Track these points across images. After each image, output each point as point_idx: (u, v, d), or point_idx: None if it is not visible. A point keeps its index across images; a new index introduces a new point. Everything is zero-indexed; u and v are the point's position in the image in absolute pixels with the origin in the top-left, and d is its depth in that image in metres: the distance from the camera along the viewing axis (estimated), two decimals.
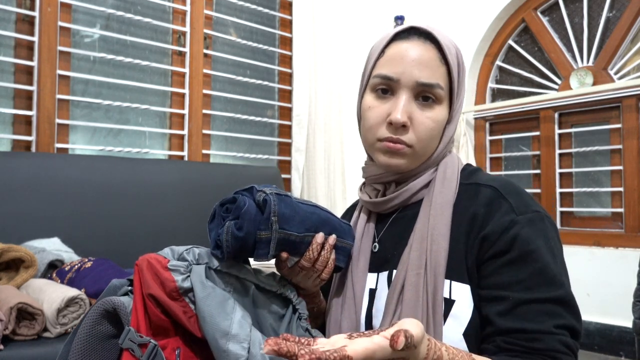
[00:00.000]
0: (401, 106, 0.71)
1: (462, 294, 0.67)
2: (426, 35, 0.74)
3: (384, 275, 0.75)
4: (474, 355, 0.58)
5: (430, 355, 0.50)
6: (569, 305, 0.63)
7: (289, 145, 2.88)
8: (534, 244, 0.65)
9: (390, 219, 0.79)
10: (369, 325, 0.75)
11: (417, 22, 0.77)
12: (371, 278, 0.77)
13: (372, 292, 0.76)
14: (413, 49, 0.72)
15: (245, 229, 0.63)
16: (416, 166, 0.75)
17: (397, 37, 0.75)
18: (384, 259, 0.76)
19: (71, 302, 1.31)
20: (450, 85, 0.74)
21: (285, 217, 0.66)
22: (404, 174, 0.76)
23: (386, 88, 0.74)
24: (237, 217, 0.65)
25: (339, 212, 2.81)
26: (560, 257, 0.67)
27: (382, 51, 0.75)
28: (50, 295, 1.32)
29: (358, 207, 0.85)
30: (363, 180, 0.84)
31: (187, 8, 2.50)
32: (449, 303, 0.67)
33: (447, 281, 0.68)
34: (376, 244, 0.79)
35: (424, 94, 0.72)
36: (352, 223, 0.83)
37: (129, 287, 0.65)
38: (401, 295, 0.69)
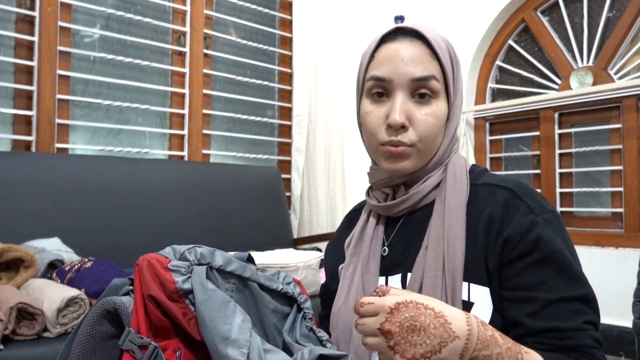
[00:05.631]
0: (398, 107, 0.70)
1: (481, 297, 0.67)
2: (413, 34, 0.74)
3: (395, 278, 0.74)
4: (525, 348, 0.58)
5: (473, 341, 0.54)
6: (592, 301, 0.65)
7: (289, 145, 2.88)
8: (556, 244, 0.66)
9: (400, 222, 0.78)
10: None
11: (404, 23, 0.77)
12: (379, 282, 0.76)
13: None
14: (402, 48, 0.72)
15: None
16: (422, 165, 0.74)
17: (385, 39, 0.75)
18: (395, 263, 0.76)
19: (71, 302, 1.31)
20: (445, 79, 0.73)
21: None
22: (413, 174, 0.75)
23: (381, 91, 0.73)
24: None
25: (339, 212, 2.83)
26: (576, 256, 0.69)
27: (372, 55, 0.76)
28: (50, 295, 1.32)
29: (365, 210, 0.84)
30: (369, 184, 0.83)
31: (187, 8, 2.50)
32: (468, 305, 0.67)
33: (465, 283, 0.67)
34: (386, 247, 0.78)
35: (419, 91, 0.72)
36: (360, 227, 0.82)
37: (130, 287, 0.65)
38: None
